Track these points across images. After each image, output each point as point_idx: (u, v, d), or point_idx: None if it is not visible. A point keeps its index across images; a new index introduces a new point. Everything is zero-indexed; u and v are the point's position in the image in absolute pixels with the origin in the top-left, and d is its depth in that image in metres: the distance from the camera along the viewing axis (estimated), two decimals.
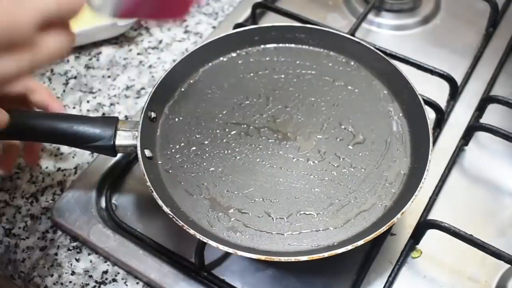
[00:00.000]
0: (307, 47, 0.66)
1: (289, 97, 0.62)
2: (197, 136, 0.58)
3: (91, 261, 0.56)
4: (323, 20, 0.77)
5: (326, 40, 0.65)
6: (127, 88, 0.71)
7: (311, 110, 0.61)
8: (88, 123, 0.53)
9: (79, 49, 0.75)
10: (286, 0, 0.80)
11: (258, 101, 0.61)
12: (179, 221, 0.48)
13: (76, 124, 0.52)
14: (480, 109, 0.65)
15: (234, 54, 0.65)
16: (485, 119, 0.65)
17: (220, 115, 0.60)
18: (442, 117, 0.64)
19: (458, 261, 0.55)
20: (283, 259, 0.47)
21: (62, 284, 0.55)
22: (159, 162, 0.56)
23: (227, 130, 0.59)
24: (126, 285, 0.55)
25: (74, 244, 0.58)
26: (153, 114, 0.58)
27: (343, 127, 0.59)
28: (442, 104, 0.65)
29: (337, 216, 0.52)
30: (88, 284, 0.55)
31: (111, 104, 0.69)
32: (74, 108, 0.69)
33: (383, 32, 0.77)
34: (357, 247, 0.47)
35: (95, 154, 0.63)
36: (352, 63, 0.64)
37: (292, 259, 0.47)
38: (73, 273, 0.55)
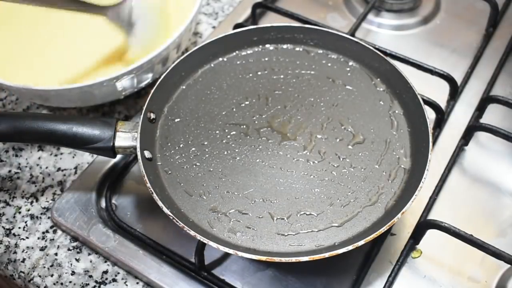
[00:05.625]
0: (306, 47, 0.66)
1: (289, 97, 0.62)
2: (197, 137, 0.58)
3: (91, 261, 0.56)
4: (323, 20, 0.77)
5: (325, 40, 0.65)
6: None
7: (311, 110, 0.61)
8: (87, 125, 0.53)
9: None
10: (286, 0, 0.80)
11: (257, 101, 0.61)
12: (179, 222, 0.48)
13: (75, 126, 0.52)
14: (480, 109, 0.65)
15: (233, 55, 0.65)
16: (485, 119, 0.65)
17: (220, 116, 0.60)
18: (442, 117, 0.64)
19: (458, 261, 0.55)
20: (283, 259, 0.47)
21: (62, 284, 0.55)
22: (159, 163, 0.56)
23: (226, 130, 0.59)
24: (126, 285, 0.55)
25: (74, 244, 0.58)
26: (152, 115, 0.58)
27: (343, 127, 0.59)
28: (442, 104, 0.65)
29: (337, 216, 0.52)
30: (88, 284, 0.55)
31: (111, 104, 0.69)
32: (74, 108, 0.69)
33: (383, 32, 0.77)
34: (357, 247, 0.47)
35: (95, 154, 0.63)
36: (351, 63, 0.64)
37: (293, 259, 0.47)
38: (73, 273, 0.55)
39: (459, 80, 0.67)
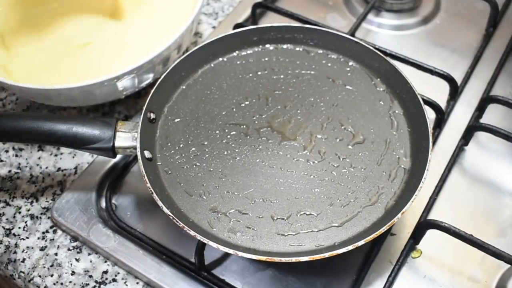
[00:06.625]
0: (306, 47, 0.66)
1: (289, 97, 0.62)
2: (197, 137, 0.58)
3: (91, 261, 0.56)
4: (323, 20, 0.77)
5: (325, 40, 0.65)
6: None
7: (311, 110, 0.61)
8: (87, 125, 0.53)
9: None
10: (286, 0, 0.80)
11: (257, 101, 0.61)
12: (179, 222, 0.48)
13: (75, 126, 0.52)
14: (480, 109, 0.65)
15: (233, 55, 0.65)
16: (485, 119, 0.65)
17: (220, 116, 0.60)
18: (442, 117, 0.64)
19: (458, 261, 0.55)
20: (283, 259, 0.47)
21: (62, 284, 0.55)
22: (159, 163, 0.56)
23: (226, 130, 0.59)
24: (126, 285, 0.55)
25: (74, 244, 0.58)
26: (152, 115, 0.58)
27: (343, 127, 0.59)
28: (442, 104, 0.65)
29: (337, 216, 0.52)
30: (88, 284, 0.55)
31: (111, 104, 0.69)
32: (74, 108, 0.69)
33: (383, 32, 0.77)
34: (357, 247, 0.47)
35: (95, 154, 0.63)
36: (351, 63, 0.64)
37: (293, 259, 0.47)
38: (73, 273, 0.55)
39: (459, 80, 0.67)
